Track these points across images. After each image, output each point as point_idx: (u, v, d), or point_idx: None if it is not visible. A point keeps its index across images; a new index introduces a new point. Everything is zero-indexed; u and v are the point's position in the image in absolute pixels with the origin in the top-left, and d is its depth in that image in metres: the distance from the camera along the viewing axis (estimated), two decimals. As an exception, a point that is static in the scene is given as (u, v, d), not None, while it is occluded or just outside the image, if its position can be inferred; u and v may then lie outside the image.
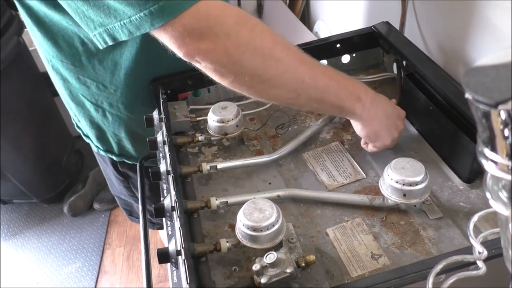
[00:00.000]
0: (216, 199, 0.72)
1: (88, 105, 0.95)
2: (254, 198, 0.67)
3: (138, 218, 1.23)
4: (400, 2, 1.02)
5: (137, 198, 1.13)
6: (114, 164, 1.08)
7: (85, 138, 1.09)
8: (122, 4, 0.60)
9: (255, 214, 0.61)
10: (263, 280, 0.56)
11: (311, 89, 0.68)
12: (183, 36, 0.60)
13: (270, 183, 0.80)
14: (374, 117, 0.75)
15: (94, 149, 1.07)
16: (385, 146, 0.78)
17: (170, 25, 0.60)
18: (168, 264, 0.67)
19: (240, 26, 0.62)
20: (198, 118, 0.92)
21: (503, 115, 0.30)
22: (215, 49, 0.61)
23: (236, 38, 0.61)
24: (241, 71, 0.64)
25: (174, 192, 0.67)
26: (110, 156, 1.06)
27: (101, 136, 1.02)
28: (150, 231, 0.99)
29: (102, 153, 1.06)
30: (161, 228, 1.29)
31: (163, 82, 0.90)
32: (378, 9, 1.22)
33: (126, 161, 1.06)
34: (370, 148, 0.79)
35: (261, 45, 0.63)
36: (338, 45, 0.97)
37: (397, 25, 0.97)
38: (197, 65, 0.65)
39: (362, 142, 0.81)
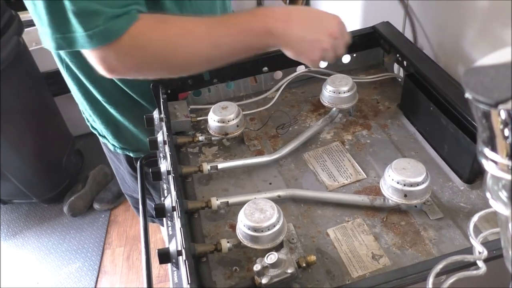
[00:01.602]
0: (217, 199, 0.72)
1: (102, 102, 0.95)
2: (255, 198, 0.67)
3: (150, 216, 1.24)
4: (400, 2, 1.02)
5: (151, 196, 1.13)
6: (129, 161, 1.08)
7: (101, 139, 1.09)
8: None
9: (256, 215, 0.61)
10: (264, 280, 0.57)
11: (222, 55, 0.73)
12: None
13: (270, 183, 0.80)
14: (291, 40, 0.73)
15: (111, 147, 1.07)
16: (313, 62, 0.76)
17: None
18: (169, 264, 0.67)
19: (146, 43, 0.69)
20: (198, 118, 0.92)
21: (503, 115, 0.30)
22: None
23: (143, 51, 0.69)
24: (157, 72, 0.76)
25: (175, 192, 0.67)
26: (127, 153, 1.06)
27: (118, 132, 1.02)
28: (150, 231, 0.99)
29: (119, 151, 1.06)
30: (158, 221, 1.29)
31: (164, 82, 0.90)
32: (378, 9, 1.22)
33: (143, 155, 1.06)
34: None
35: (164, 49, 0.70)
36: (338, 45, 0.96)
37: (397, 25, 0.97)
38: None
39: None
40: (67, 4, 0.63)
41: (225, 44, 0.72)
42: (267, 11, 0.73)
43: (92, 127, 1.08)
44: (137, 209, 1.30)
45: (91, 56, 0.69)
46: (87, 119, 1.07)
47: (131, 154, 1.07)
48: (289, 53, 0.76)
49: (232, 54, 0.74)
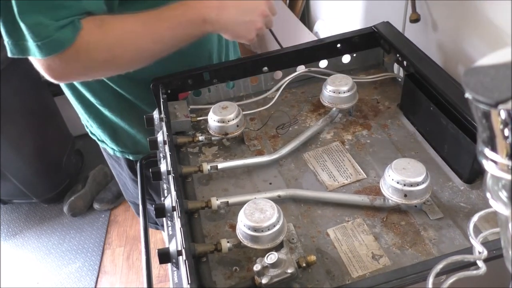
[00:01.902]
0: (217, 199, 0.72)
1: (96, 105, 0.95)
2: (255, 198, 0.67)
3: (154, 224, 1.24)
4: (400, 2, 1.02)
5: (154, 201, 1.13)
6: (130, 165, 1.08)
7: (100, 144, 1.09)
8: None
9: (256, 215, 0.61)
10: (264, 280, 0.57)
11: (164, 47, 0.78)
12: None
13: (270, 183, 0.80)
14: (227, 24, 0.78)
15: (110, 151, 1.07)
16: (250, 41, 0.82)
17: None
18: (169, 264, 0.67)
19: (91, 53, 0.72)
20: (198, 118, 0.92)
21: (503, 114, 0.30)
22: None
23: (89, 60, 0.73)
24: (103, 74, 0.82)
25: (175, 192, 0.68)
26: (127, 156, 1.06)
27: (115, 135, 1.02)
28: (150, 231, 0.99)
29: (118, 154, 1.06)
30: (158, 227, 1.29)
31: (164, 82, 0.90)
32: (378, 9, 1.22)
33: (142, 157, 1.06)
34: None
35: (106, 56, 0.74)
36: (338, 45, 0.97)
37: (397, 25, 0.97)
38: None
39: None
40: (17, 16, 0.66)
41: (165, 37, 0.76)
42: (200, 0, 0.76)
43: (91, 132, 1.08)
44: None
45: (38, 63, 0.71)
46: (85, 124, 1.07)
47: (131, 157, 1.06)
48: (227, 36, 0.82)
49: (174, 45, 0.79)
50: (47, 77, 0.73)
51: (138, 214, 1.29)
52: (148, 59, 0.80)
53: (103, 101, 0.95)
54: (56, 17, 0.67)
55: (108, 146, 1.06)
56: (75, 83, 0.92)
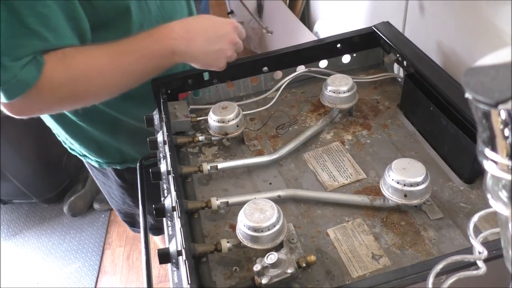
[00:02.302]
0: (217, 199, 0.72)
1: (78, 122, 0.93)
2: (255, 198, 0.67)
3: (151, 229, 1.23)
4: (400, 2, 1.02)
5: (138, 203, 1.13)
6: (118, 173, 1.07)
7: (83, 159, 1.06)
8: None
9: (256, 215, 0.61)
10: (264, 280, 0.57)
11: (131, 81, 0.75)
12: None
13: (270, 183, 0.80)
14: (196, 55, 0.77)
15: (95, 164, 1.05)
16: (221, 68, 0.81)
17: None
18: (169, 265, 0.67)
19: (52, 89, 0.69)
20: (198, 118, 0.92)
21: (503, 115, 0.30)
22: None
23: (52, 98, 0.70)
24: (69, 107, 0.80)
25: (175, 192, 0.68)
26: (114, 166, 1.05)
27: (100, 149, 1.00)
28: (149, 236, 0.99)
29: (105, 166, 1.05)
30: (161, 233, 1.28)
31: (163, 82, 0.90)
32: (378, 9, 1.22)
33: (130, 166, 1.05)
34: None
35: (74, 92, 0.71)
36: (338, 45, 0.97)
37: (397, 25, 0.97)
38: None
39: None
40: None
41: (131, 71, 0.74)
42: (167, 31, 0.74)
43: (70, 148, 1.05)
44: (128, 222, 1.30)
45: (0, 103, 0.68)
46: (63, 141, 1.04)
47: (118, 167, 1.05)
48: (196, 65, 0.80)
49: (143, 77, 0.77)
50: (7, 113, 0.70)
51: (125, 221, 1.29)
52: (116, 92, 0.78)
53: (86, 117, 0.92)
54: (18, 56, 0.64)
55: (92, 160, 1.05)
56: None
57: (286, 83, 0.95)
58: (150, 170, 0.80)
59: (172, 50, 0.74)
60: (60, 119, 0.94)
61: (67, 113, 0.92)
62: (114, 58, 0.72)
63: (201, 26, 0.77)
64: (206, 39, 0.76)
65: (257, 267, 0.57)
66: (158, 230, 1.27)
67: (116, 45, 0.72)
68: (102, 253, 1.93)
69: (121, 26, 0.77)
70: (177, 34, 0.74)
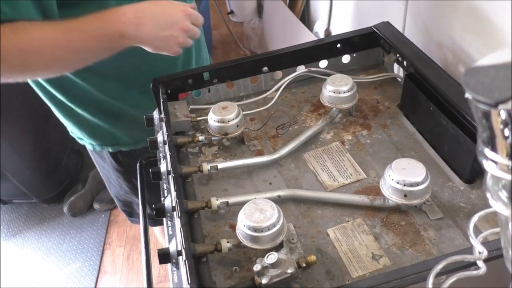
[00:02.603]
0: (217, 199, 0.72)
1: (67, 103, 0.95)
2: (255, 198, 0.67)
3: (139, 218, 1.24)
4: (400, 2, 1.02)
5: (135, 189, 1.14)
6: (113, 157, 1.09)
7: (79, 141, 1.09)
8: None
9: (256, 215, 0.61)
10: (264, 280, 0.57)
11: (80, 59, 0.77)
12: None
13: (270, 183, 0.80)
14: (145, 40, 0.77)
15: (90, 147, 1.08)
16: (174, 53, 0.81)
17: None
18: (169, 265, 0.67)
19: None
20: (198, 118, 0.92)
21: (503, 114, 0.30)
22: None
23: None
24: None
25: (175, 192, 0.68)
26: (107, 149, 1.06)
27: (92, 132, 1.03)
28: (150, 231, 0.99)
29: (98, 148, 1.06)
30: (160, 224, 1.29)
31: (163, 82, 0.90)
32: (378, 9, 1.22)
33: (122, 149, 1.06)
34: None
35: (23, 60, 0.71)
36: (338, 45, 0.97)
37: (397, 25, 0.97)
38: None
39: None
40: None
41: (81, 49, 0.75)
42: (117, 15, 0.75)
43: (71, 132, 1.08)
44: (126, 212, 1.31)
45: None
46: (64, 123, 1.06)
47: (110, 150, 1.07)
48: (148, 49, 0.80)
49: (91, 57, 0.78)
50: None
51: (123, 210, 1.29)
52: (65, 69, 0.79)
53: (74, 98, 0.94)
54: None
55: (86, 142, 1.07)
56: (43, 82, 0.91)
57: (286, 83, 0.95)
58: (150, 170, 0.80)
59: (120, 34, 0.74)
60: (52, 99, 0.95)
61: (56, 93, 0.93)
62: (66, 35, 0.72)
63: (152, 11, 0.77)
64: (156, 24, 0.76)
65: (257, 267, 0.57)
66: (157, 221, 1.28)
67: (70, 22, 0.73)
68: (102, 253, 1.93)
69: (95, 4, 0.77)
70: (127, 18, 0.74)
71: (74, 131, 1.06)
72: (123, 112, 0.99)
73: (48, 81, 0.91)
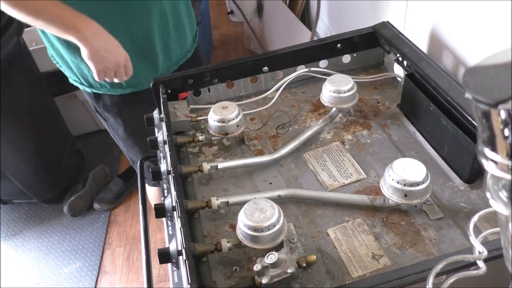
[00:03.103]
0: (217, 199, 0.72)
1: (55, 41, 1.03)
2: (255, 198, 0.67)
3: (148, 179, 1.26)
4: (400, 2, 1.02)
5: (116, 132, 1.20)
6: (113, 101, 1.13)
7: (79, 86, 1.13)
8: None
9: (256, 214, 0.61)
10: (264, 280, 0.57)
11: (35, 21, 0.90)
12: None
13: (270, 183, 0.80)
14: (89, 46, 0.91)
15: (88, 90, 1.12)
16: (97, 71, 0.94)
17: None
18: (169, 264, 0.67)
19: None
20: (198, 118, 0.92)
21: (503, 114, 0.30)
22: None
23: None
24: None
25: (175, 192, 0.68)
26: (88, 90, 1.12)
27: (79, 70, 1.09)
28: (150, 231, 0.99)
29: (88, 90, 1.12)
30: (156, 185, 1.33)
31: (164, 82, 0.90)
32: (378, 9, 1.22)
33: (88, 90, 1.12)
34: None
35: None
36: (338, 45, 0.97)
37: (397, 25, 0.97)
38: None
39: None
40: None
41: (42, 16, 0.89)
42: (89, 21, 0.91)
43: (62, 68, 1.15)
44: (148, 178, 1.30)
45: None
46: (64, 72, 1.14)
47: (88, 90, 1.12)
48: (83, 53, 0.92)
49: (42, 25, 0.92)
50: None
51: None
52: (25, 19, 0.91)
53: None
54: None
55: (80, 84, 1.12)
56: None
57: (286, 83, 0.95)
58: (150, 169, 0.80)
59: (79, 30, 0.90)
60: (68, 44, 1.01)
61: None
62: (47, 4, 0.89)
63: (108, 38, 0.93)
64: (105, 44, 0.93)
65: (257, 267, 0.57)
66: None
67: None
68: (102, 253, 1.93)
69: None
70: (92, 28, 0.91)
71: (69, 74, 1.12)
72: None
73: None
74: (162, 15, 1.05)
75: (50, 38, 1.05)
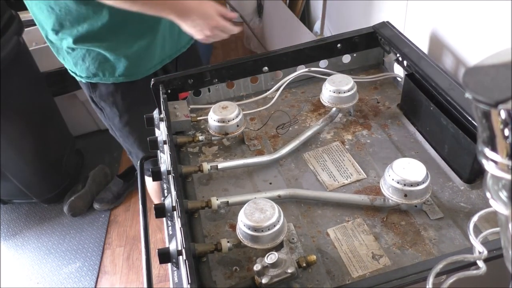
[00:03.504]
0: (217, 199, 0.72)
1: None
2: (255, 198, 0.67)
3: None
4: (400, 2, 1.02)
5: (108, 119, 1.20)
6: (109, 91, 1.14)
7: (91, 80, 1.13)
8: None
9: (256, 214, 0.61)
10: (264, 280, 0.57)
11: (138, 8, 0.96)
12: None
13: (270, 183, 0.80)
14: (185, 23, 0.95)
15: (97, 79, 1.12)
16: (201, 39, 0.97)
17: None
18: (169, 264, 0.67)
19: None
20: (198, 118, 0.92)
21: (503, 114, 0.30)
22: None
23: None
24: None
25: (175, 192, 0.68)
26: (89, 80, 1.12)
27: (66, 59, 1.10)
28: (150, 231, 0.99)
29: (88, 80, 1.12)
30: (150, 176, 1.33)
31: (164, 82, 0.90)
32: (378, 9, 1.22)
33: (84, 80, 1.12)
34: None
35: None
36: (338, 45, 0.97)
37: (397, 25, 0.97)
38: None
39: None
40: None
41: (137, 5, 0.95)
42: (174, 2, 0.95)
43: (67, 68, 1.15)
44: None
45: None
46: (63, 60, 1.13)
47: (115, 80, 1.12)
48: (181, 26, 0.96)
49: (145, 10, 0.95)
50: None
51: (149, 168, 1.29)
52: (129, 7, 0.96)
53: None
54: None
55: (96, 78, 1.12)
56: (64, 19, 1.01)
57: (286, 83, 0.95)
58: (150, 169, 0.80)
59: (170, 18, 0.95)
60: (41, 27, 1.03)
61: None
62: None
63: (194, 6, 0.96)
64: (194, 17, 0.95)
65: (257, 267, 0.57)
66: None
67: None
68: (102, 253, 1.93)
69: None
70: (179, 10, 0.95)
71: (69, 63, 1.11)
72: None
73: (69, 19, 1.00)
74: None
75: (46, 30, 1.06)
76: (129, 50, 1.06)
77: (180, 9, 0.97)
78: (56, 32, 1.04)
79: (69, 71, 1.15)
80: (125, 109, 1.17)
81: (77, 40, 1.04)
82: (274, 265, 0.57)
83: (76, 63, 1.10)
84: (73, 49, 1.06)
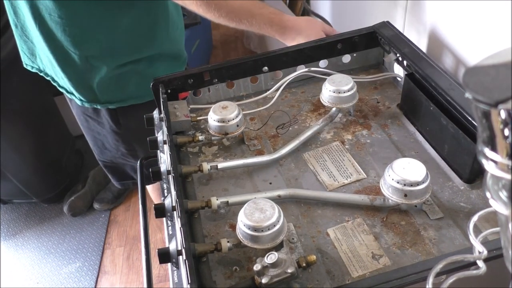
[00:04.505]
0: (217, 199, 0.72)
1: (73, 56, 1.00)
2: (255, 198, 0.67)
3: (131, 179, 1.32)
4: (400, 2, 1.02)
5: (132, 150, 1.21)
6: (111, 114, 1.12)
7: (68, 95, 1.12)
8: None
9: (256, 214, 0.61)
10: (264, 280, 0.57)
11: (245, 24, 0.96)
12: None
13: (270, 183, 0.80)
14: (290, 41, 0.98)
15: (79, 103, 1.10)
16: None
17: None
18: (169, 264, 0.67)
19: None
20: (198, 118, 0.92)
21: (503, 114, 0.30)
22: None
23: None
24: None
25: (175, 192, 0.68)
26: (106, 106, 1.10)
27: (88, 87, 1.06)
28: (150, 231, 0.99)
29: (86, 104, 1.10)
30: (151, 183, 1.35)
31: (164, 81, 0.90)
32: (378, 9, 1.22)
33: (110, 107, 1.11)
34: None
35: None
36: (338, 45, 0.97)
37: (397, 25, 0.97)
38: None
39: None
40: None
41: (253, 21, 0.94)
42: (284, 19, 0.96)
43: (59, 85, 1.11)
44: (115, 176, 1.35)
45: None
46: (52, 79, 1.11)
47: (99, 106, 1.10)
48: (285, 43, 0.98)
49: (251, 27, 0.96)
50: None
51: (113, 175, 1.30)
52: (233, 24, 0.97)
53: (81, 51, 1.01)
54: None
55: (76, 98, 1.10)
56: (60, 35, 0.98)
57: (286, 83, 0.95)
58: (150, 169, 0.80)
59: (280, 30, 0.96)
60: (57, 50, 1.00)
61: (71, 48, 1.00)
62: (254, 8, 0.95)
63: (301, 26, 0.98)
64: (300, 35, 0.98)
65: (257, 267, 0.57)
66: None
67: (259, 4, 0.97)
68: (102, 253, 1.93)
69: None
70: (288, 25, 0.97)
71: (66, 86, 1.09)
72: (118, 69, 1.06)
73: (64, 30, 0.97)
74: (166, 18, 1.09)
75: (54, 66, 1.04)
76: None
77: (286, 32, 0.97)
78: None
79: (58, 86, 1.13)
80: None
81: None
82: (274, 265, 0.57)
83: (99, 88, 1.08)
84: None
